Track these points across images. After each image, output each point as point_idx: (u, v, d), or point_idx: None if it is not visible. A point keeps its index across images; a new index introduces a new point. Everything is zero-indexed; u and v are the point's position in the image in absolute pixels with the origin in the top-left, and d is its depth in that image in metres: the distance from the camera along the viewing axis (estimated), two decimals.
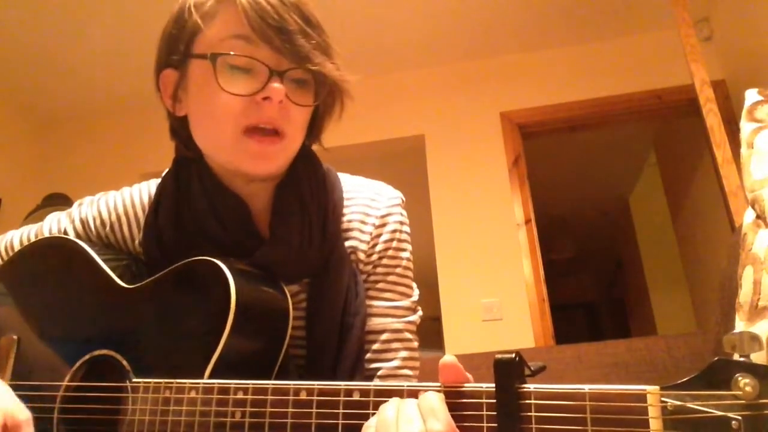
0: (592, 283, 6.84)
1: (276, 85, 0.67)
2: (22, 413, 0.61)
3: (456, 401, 0.48)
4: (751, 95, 1.12)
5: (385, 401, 0.50)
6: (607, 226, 5.52)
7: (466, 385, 0.49)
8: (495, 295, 2.70)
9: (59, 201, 2.84)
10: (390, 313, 0.79)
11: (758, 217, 0.96)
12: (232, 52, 0.68)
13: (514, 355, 0.47)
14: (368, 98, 3.07)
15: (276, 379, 0.66)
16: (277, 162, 0.73)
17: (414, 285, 0.84)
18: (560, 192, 4.52)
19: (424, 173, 3.00)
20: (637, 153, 4.27)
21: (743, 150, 1.06)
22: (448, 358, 0.49)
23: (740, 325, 0.91)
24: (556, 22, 2.88)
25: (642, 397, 0.42)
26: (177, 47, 0.73)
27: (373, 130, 3.06)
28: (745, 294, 0.91)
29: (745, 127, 1.08)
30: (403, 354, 0.78)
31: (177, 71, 0.74)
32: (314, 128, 0.80)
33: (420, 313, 0.83)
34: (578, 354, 1.35)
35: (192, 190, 0.77)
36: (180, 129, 0.78)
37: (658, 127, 3.86)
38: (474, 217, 2.87)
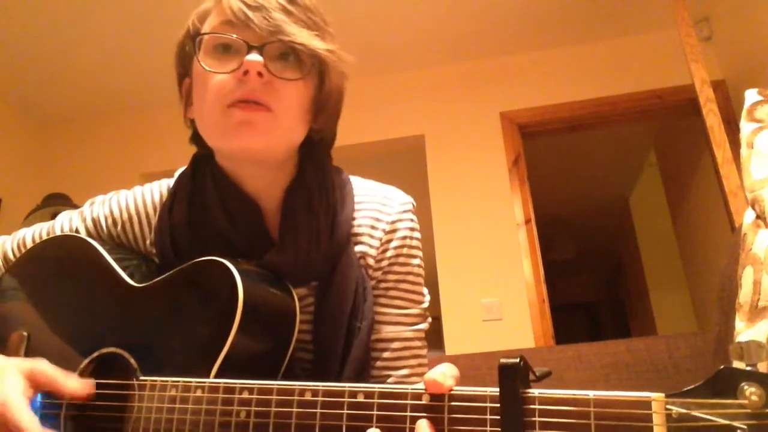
0: (592, 283, 6.84)
1: (252, 57, 0.67)
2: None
3: (460, 405, 0.48)
4: (751, 95, 1.12)
5: (389, 404, 0.50)
6: (607, 226, 5.52)
7: (470, 389, 0.49)
8: (495, 295, 2.70)
9: (59, 201, 2.84)
10: (401, 321, 0.79)
11: (758, 217, 0.96)
12: (208, 31, 0.71)
13: (519, 360, 0.46)
14: (368, 98, 3.07)
15: (282, 380, 0.66)
16: (266, 135, 0.69)
17: (425, 291, 0.83)
18: (560, 192, 4.52)
19: (424, 173, 3.00)
20: (637, 153, 4.27)
21: (743, 150, 1.06)
22: (429, 377, 0.49)
23: (740, 325, 0.91)
24: (556, 22, 2.88)
25: (647, 404, 0.42)
26: (186, 53, 0.76)
27: (373, 130, 3.06)
28: (745, 294, 0.91)
29: (745, 127, 1.08)
30: (413, 362, 0.78)
31: (191, 78, 0.76)
32: (317, 112, 0.76)
33: (429, 320, 0.83)
34: (578, 354, 1.35)
35: (206, 189, 0.77)
36: (195, 131, 0.79)
37: (658, 127, 3.86)
38: (474, 217, 2.87)
